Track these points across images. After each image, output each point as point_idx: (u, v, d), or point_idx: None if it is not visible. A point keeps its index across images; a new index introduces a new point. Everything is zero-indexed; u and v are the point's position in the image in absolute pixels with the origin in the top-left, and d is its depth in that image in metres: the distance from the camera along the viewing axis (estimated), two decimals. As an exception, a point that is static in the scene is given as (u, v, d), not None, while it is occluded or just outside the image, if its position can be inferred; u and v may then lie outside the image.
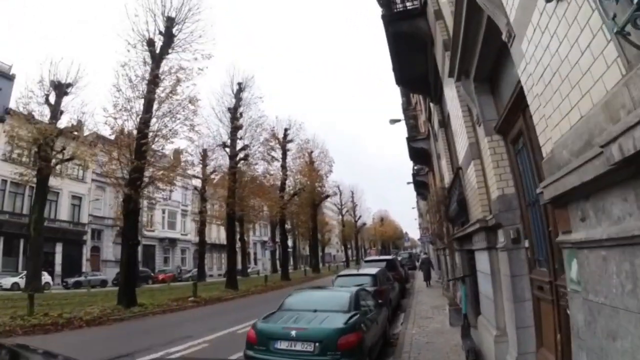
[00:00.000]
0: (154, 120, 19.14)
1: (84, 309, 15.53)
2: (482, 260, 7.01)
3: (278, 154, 38.07)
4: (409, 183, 49.94)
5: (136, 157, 18.10)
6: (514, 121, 5.37)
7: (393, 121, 24.48)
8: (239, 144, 30.95)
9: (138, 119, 18.57)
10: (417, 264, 47.34)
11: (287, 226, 43.13)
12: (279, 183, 37.37)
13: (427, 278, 23.58)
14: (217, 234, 57.58)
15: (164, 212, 53.27)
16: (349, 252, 73.56)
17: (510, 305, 5.73)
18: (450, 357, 8.07)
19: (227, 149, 30.70)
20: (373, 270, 13.92)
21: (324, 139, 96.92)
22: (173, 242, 54.90)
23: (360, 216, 72.92)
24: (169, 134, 19.43)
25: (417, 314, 13.50)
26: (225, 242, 34.37)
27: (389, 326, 10.80)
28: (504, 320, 6.25)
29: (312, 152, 45.20)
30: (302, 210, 40.26)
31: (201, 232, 43.63)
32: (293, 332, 6.64)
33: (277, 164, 37.70)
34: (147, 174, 19.32)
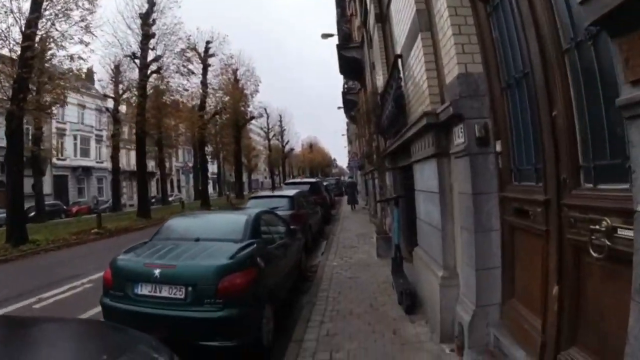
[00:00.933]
0: (42, 21, 15.41)
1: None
2: (427, 174, 5.11)
3: (198, 69, 34.35)
4: (339, 108, 48.48)
5: (20, 67, 14.50)
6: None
7: (325, 35, 21.83)
8: (151, 55, 27.13)
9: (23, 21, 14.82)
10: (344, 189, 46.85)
11: (209, 149, 40.20)
12: (198, 102, 33.94)
13: (352, 202, 23.58)
14: (135, 160, 53.15)
15: (75, 138, 47.56)
16: (277, 178, 71.62)
17: (467, 236, 3.90)
18: (378, 298, 6.39)
19: (137, 61, 26.79)
20: (291, 192, 11.99)
21: (250, 55, 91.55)
22: (87, 171, 49.49)
23: (288, 141, 70.59)
24: (60, 38, 15.88)
25: (340, 242, 11.90)
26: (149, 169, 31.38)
27: (306, 257, 9.02)
28: (454, 258, 4.47)
29: (237, 69, 41.61)
30: (225, 132, 36.94)
31: (115, 158, 39.54)
32: (157, 271, 4.59)
33: (197, 81, 34.10)
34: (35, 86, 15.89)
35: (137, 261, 4.90)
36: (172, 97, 28.06)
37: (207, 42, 35.32)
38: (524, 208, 3.22)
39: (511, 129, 3.46)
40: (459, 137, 3.91)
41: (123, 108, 35.85)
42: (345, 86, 23.64)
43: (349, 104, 22.90)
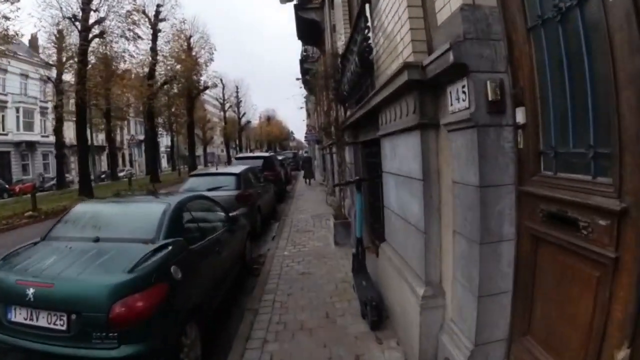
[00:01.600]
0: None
1: None
2: (402, 153, 3.83)
3: (147, 34, 31.80)
4: (298, 79, 46.64)
5: None
6: None
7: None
8: (93, 17, 24.54)
9: None
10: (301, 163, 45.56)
11: (161, 121, 37.79)
12: (147, 70, 31.47)
13: (308, 176, 23.05)
14: (75, 133, 49.56)
15: (17, 110, 43.60)
16: (234, 151, 69.20)
17: (466, 247, 2.69)
18: (336, 304, 5.17)
19: (78, 24, 24.17)
20: (238, 169, 10.54)
21: (205, 22, 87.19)
22: (32, 146, 45.39)
23: (244, 113, 67.88)
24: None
25: (294, 225, 10.63)
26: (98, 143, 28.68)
27: (252, 245, 7.74)
28: (439, 270, 3.26)
29: (190, 36, 38.99)
30: (177, 102, 34.40)
31: (58, 131, 36.42)
32: (30, 291, 3.18)
33: (146, 47, 31.57)
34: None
35: (8, 276, 3.43)
36: (116, 64, 25.46)
37: (158, 6, 32.70)
38: (569, 215, 2.00)
39: (544, 89, 2.22)
40: (458, 101, 2.62)
41: (68, 77, 32.79)
42: (304, 53, 22.05)
43: (308, 73, 21.36)
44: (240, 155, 16.95)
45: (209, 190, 8.99)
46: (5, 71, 41.89)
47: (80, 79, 23.31)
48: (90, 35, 24.49)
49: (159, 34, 32.42)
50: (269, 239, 9.63)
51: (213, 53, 38.85)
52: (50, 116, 48.78)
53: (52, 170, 48.78)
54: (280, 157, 23.56)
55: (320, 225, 10.29)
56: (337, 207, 9.23)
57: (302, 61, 20.81)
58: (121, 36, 25.01)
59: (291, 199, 16.07)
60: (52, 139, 48.88)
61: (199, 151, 65.99)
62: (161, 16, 32.42)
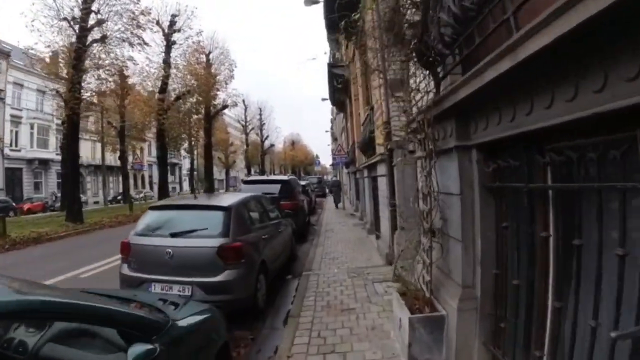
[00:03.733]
0: None
1: None
2: None
3: (160, 45, 28.70)
4: (324, 99, 42.96)
5: None
6: None
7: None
8: (94, 20, 21.33)
9: None
10: (327, 190, 41.38)
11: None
12: (158, 84, 28.12)
13: (337, 200, 22.66)
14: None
15: (32, 127, 41.19)
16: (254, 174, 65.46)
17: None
18: None
19: (77, 27, 20.94)
20: (231, 198, 6.34)
21: (224, 37, 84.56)
22: (45, 163, 42.33)
23: (267, 136, 64.15)
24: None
25: (321, 290, 6.39)
26: (116, 163, 25.07)
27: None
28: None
29: (210, 52, 35.80)
30: (191, 119, 30.57)
31: (64, 148, 33.12)
32: None
33: (158, 59, 28.38)
34: None
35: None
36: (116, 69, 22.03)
37: (173, 16, 29.47)
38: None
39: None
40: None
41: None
42: (332, 59, 18.23)
43: (337, 80, 17.41)
44: (251, 178, 12.65)
45: (174, 235, 5.00)
46: (21, 86, 39.70)
47: (73, 87, 19.84)
48: (90, 39, 21.28)
49: (173, 46, 29.11)
50: (279, 320, 5.44)
51: (233, 70, 35.49)
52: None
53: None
54: (303, 182, 19.49)
55: (366, 294, 6.03)
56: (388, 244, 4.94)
57: (332, 66, 16.86)
58: (123, 40, 21.58)
59: (317, 237, 11.84)
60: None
61: (222, 175, 62.81)
62: (176, 27, 29.18)
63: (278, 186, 11.48)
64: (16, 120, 39.34)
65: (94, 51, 21.88)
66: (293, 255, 9.12)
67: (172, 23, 29.47)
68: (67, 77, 21.08)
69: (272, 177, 13.09)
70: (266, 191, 11.21)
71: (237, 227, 5.39)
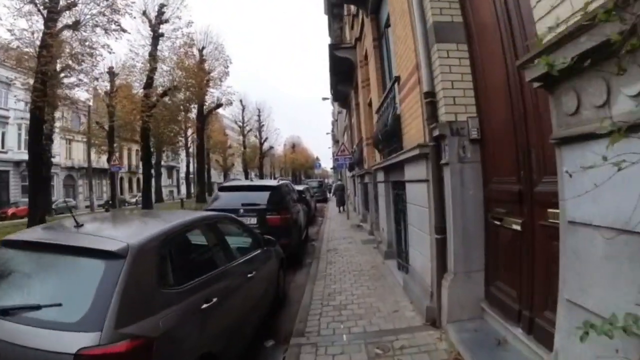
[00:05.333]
0: None
1: None
2: None
3: (147, 37, 25.80)
4: (324, 99, 39.96)
5: None
6: None
7: None
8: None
9: None
10: (329, 195, 38.82)
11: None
12: (143, 77, 25.13)
13: (341, 204, 22.00)
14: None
15: (20, 128, 38.41)
16: (253, 179, 62.15)
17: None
18: None
19: (45, 12, 18.01)
20: (141, 230, 3.19)
21: (218, 31, 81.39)
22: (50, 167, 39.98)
23: (266, 138, 60.77)
24: None
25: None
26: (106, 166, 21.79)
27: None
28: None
29: (203, 48, 32.88)
30: (178, 117, 27.16)
31: (45, 149, 29.99)
32: None
33: (144, 53, 25.41)
34: None
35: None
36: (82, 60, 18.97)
37: (161, 6, 26.54)
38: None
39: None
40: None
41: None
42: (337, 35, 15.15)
43: (341, 66, 14.31)
44: (230, 183, 9.47)
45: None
46: (8, 85, 36.95)
47: (38, 79, 16.91)
48: (60, 25, 18.36)
49: (161, 38, 26.08)
50: None
51: (228, 66, 32.60)
52: (58, 135, 43.64)
53: (57, 192, 43.25)
54: (300, 188, 16.35)
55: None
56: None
57: (334, 47, 13.71)
58: (97, 25, 18.59)
59: (316, 261, 8.69)
60: (57, 159, 43.61)
61: (221, 177, 59.50)
62: (164, 17, 26.20)
63: (265, 194, 8.37)
64: (3, 121, 37.15)
65: (65, 38, 19.00)
66: (280, 296, 6.03)
67: (160, 13, 26.55)
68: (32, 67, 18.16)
69: (258, 182, 9.91)
70: (248, 201, 8.23)
71: (131, 303, 2.33)
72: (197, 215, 4.11)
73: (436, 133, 4.33)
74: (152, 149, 34.18)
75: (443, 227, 4.42)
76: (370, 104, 11.23)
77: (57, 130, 41.88)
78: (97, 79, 20.24)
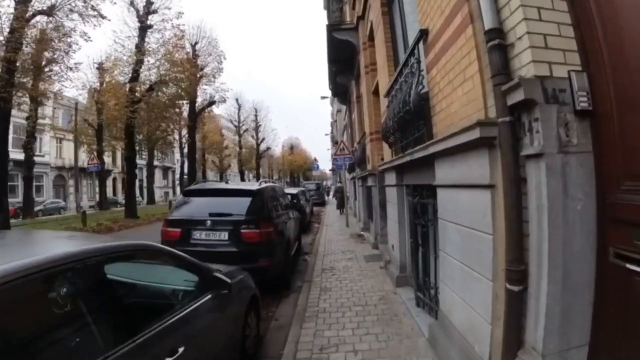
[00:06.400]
0: None
1: None
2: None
3: (134, 28, 23.84)
4: (323, 97, 38.07)
5: None
6: None
7: None
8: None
9: None
10: (328, 198, 37.15)
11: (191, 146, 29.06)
12: (127, 70, 23.12)
13: (341, 206, 21.36)
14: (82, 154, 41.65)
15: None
16: (250, 180, 59.84)
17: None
18: None
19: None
20: None
21: (211, 27, 78.51)
22: (21, 165, 37.73)
23: (264, 139, 58.34)
24: None
25: None
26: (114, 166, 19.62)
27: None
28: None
29: (196, 43, 30.90)
30: (164, 113, 24.80)
31: (26, 147, 28.23)
32: None
33: (131, 45, 23.40)
34: None
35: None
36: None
37: (149, -5, 24.54)
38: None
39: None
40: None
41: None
42: (335, 16, 13.14)
43: (341, 51, 12.31)
44: (199, 186, 7.39)
45: None
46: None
47: (4, 67, 15.01)
48: (32, 10, 16.46)
49: (149, 30, 24.06)
50: None
51: (222, 62, 30.60)
52: (49, 133, 41.87)
53: (45, 193, 41.35)
54: (293, 191, 14.32)
55: None
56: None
57: (333, 28, 11.67)
58: (72, 10, 16.65)
59: (307, 285, 6.68)
60: (47, 158, 41.92)
61: (217, 179, 57.23)
62: (153, 7, 24.20)
63: (242, 201, 6.34)
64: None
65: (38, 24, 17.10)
66: (249, 352, 4.03)
67: (149, 3, 24.51)
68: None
69: (235, 185, 7.67)
70: (219, 210, 6.26)
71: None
72: (77, 251, 2.08)
73: (514, 100, 2.34)
74: (142, 148, 32.51)
75: (522, 271, 2.44)
76: (375, 92, 9.27)
77: (47, 128, 40.23)
78: (71, 68, 18.07)
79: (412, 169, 5.12)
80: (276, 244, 6.38)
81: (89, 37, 17.67)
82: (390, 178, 6.62)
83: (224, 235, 6.03)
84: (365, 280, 6.86)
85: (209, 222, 6.11)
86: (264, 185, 7.04)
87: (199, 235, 6.17)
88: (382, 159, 8.57)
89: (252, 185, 7.01)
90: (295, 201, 9.74)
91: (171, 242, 6.19)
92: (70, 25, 17.19)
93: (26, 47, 16.30)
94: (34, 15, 16.74)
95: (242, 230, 5.96)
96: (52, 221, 22.95)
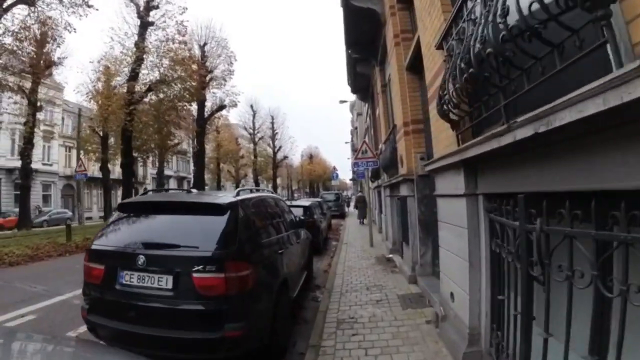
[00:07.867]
0: None
1: None
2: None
3: (133, 25, 21.87)
4: (342, 102, 36.11)
5: None
6: None
7: None
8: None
9: None
10: (347, 209, 34.79)
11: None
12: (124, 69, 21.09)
13: (362, 216, 21.54)
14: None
15: (13, 133, 35.52)
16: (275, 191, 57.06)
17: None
18: None
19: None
20: None
21: (220, 26, 77.41)
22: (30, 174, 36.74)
23: (280, 147, 55.91)
24: None
25: None
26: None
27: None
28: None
29: (205, 44, 28.84)
30: (166, 117, 22.35)
31: (24, 154, 26.38)
32: None
33: (131, 44, 21.39)
34: None
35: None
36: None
37: (150, -11, 22.52)
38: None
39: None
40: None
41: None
42: None
43: (361, 27, 9.75)
44: (142, 198, 5.05)
45: None
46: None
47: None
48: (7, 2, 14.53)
49: (150, 27, 21.98)
50: None
51: (233, 63, 28.38)
52: (57, 142, 40.57)
53: (53, 202, 39.98)
54: (306, 203, 11.82)
55: None
56: None
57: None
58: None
59: (319, 357, 4.16)
60: (55, 167, 40.51)
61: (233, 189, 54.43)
62: (153, 3, 22.14)
63: (204, 223, 3.82)
64: (-6, 128, 34.26)
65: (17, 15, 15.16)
66: None
67: (150, -1, 22.53)
68: None
69: (198, 195, 5.29)
70: (160, 238, 3.75)
71: None
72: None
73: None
74: (151, 156, 30.46)
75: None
76: (411, 68, 6.72)
77: (55, 135, 38.92)
78: (55, 63, 16.04)
79: (508, 164, 2.52)
80: (257, 296, 3.76)
81: (74, 29, 15.57)
82: (449, 182, 3.97)
83: (166, 282, 3.50)
84: (407, 349, 4.21)
85: (141, 259, 3.58)
86: (243, 196, 4.48)
87: (128, 278, 3.66)
88: (424, 158, 5.98)
89: (225, 196, 4.38)
90: (302, 218, 7.14)
91: (93, 286, 3.77)
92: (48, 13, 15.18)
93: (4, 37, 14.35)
94: (13, 5, 14.85)
95: (195, 275, 3.40)
96: (43, 233, 20.80)
